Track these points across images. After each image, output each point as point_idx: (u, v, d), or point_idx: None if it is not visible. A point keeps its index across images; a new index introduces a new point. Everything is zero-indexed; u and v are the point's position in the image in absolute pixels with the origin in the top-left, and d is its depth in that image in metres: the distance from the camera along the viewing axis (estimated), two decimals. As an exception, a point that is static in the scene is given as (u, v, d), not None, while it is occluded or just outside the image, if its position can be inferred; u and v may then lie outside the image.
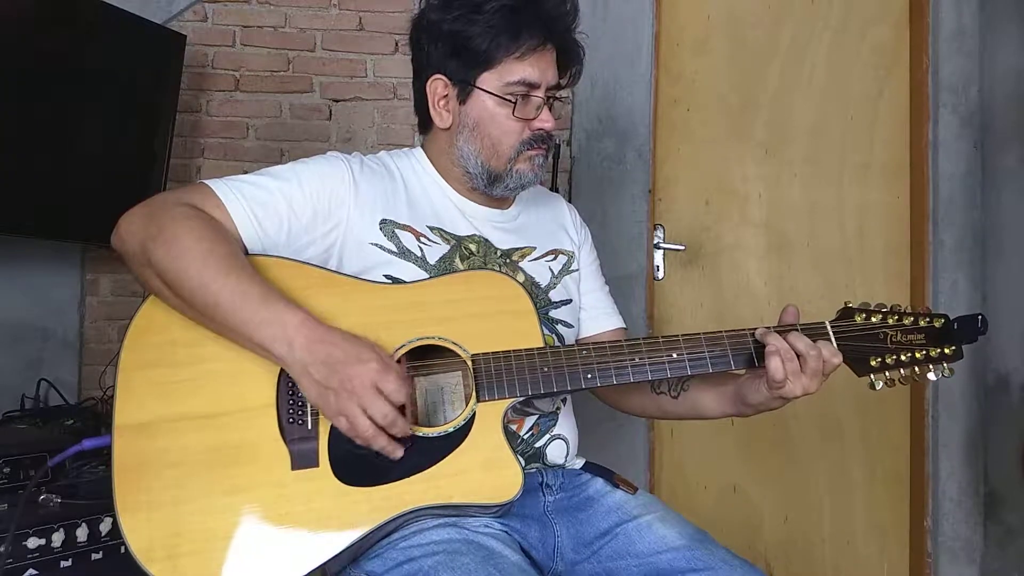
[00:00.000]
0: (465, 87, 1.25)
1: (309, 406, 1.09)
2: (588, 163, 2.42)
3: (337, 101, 2.40)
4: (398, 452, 1.05)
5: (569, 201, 2.34)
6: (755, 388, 1.19)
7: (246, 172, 1.23)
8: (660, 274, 2.48)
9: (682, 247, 2.48)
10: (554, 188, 2.21)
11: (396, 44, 2.41)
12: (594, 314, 1.42)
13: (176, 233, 1.07)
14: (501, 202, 1.36)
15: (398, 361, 1.13)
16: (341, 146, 2.37)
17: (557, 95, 1.28)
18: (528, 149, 1.27)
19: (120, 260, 1.15)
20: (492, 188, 1.30)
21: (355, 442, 1.05)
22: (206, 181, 1.17)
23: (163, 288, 1.08)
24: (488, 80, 1.23)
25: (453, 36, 1.22)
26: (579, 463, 1.33)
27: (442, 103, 1.28)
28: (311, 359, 1.02)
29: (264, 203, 1.16)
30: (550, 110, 1.26)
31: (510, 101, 1.23)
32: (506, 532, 1.15)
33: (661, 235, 2.48)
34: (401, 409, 1.04)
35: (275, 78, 2.38)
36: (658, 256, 2.48)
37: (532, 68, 1.22)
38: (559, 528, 1.21)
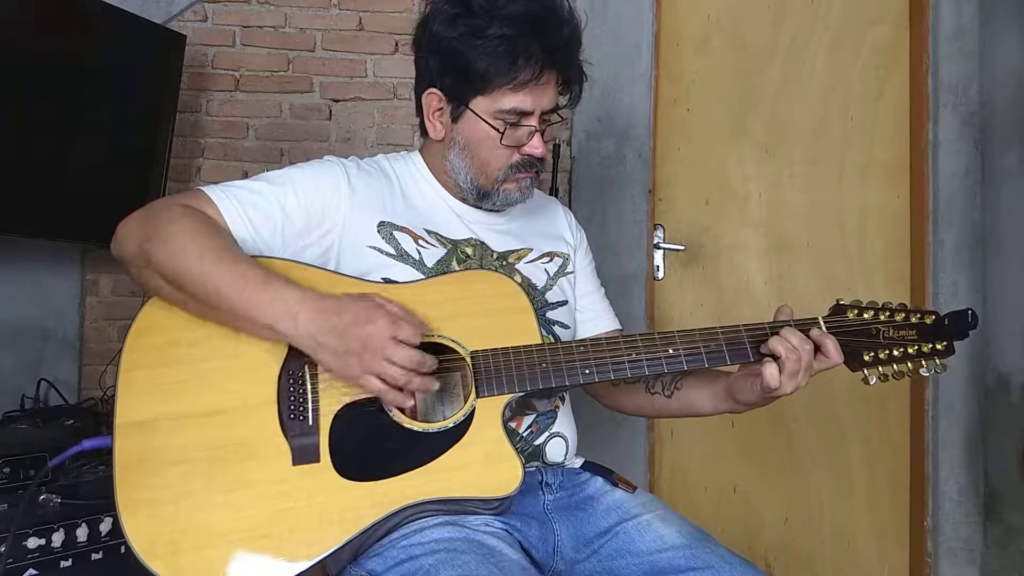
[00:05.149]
0: (458, 106, 1.25)
1: (310, 402, 1.09)
2: (588, 163, 2.42)
3: (337, 101, 2.40)
4: (435, 385, 1.08)
5: (569, 201, 2.36)
6: (747, 387, 1.21)
7: (246, 172, 1.24)
8: (660, 274, 2.48)
9: (682, 247, 2.48)
10: (554, 188, 2.21)
11: (396, 44, 2.41)
12: (591, 316, 1.43)
13: (173, 231, 1.09)
14: None
15: None
16: (341, 146, 2.38)
17: (557, 114, 1.28)
18: (516, 172, 1.27)
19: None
20: (480, 202, 1.31)
21: (383, 407, 1.09)
22: (201, 187, 1.19)
23: (164, 286, 1.09)
24: (480, 104, 1.23)
25: (452, 55, 1.22)
26: (578, 462, 1.33)
27: (436, 115, 1.29)
28: (318, 329, 1.04)
29: (258, 207, 1.18)
30: (542, 135, 1.26)
31: (499, 130, 1.23)
32: (506, 531, 1.15)
33: (661, 235, 2.48)
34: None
35: (275, 78, 2.38)
36: (658, 256, 2.48)
37: (526, 98, 1.21)
38: (559, 527, 1.21)
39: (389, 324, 1.04)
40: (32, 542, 1.33)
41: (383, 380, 1.04)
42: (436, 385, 1.08)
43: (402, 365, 1.04)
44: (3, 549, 1.27)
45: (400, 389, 1.06)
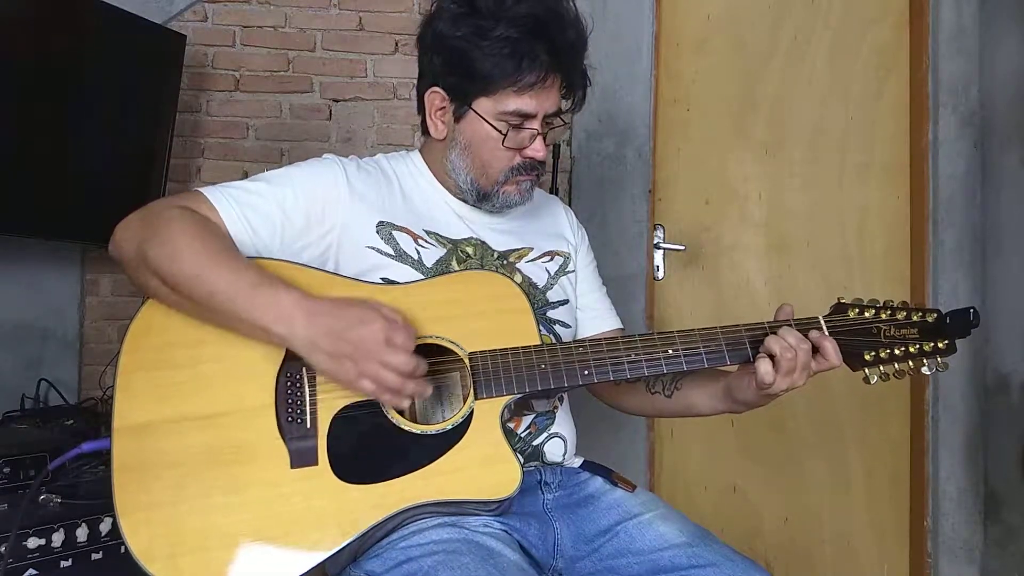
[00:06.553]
0: (461, 106, 1.25)
1: (308, 405, 1.09)
2: (588, 163, 2.42)
3: (337, 101, 2.40)
4: (429, 389, 1.07)
5: (569, 201, 2.36)
6: (744, 385, 1.21)
7: (246, 172, 1.23)
8: (660, 274, 2.48)
9: (682, 247, 2.48)
10: (554, 188, 2.21)
11: (396, 44, 2.41)
12: (592, 315, 1.42)
13: (170, 233, 1.09)
14: None
15: None
16: (341, 146, 2.38)
17: (560, 117, 1.28)
18: (517, 175, 1.27)
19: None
20: (480, 203, 1.31)
21: (379, 410, 1.08)
22: (200, 189, 1.19)
23: (161, 287, 1.09)
24: (483, 105, 1.23)
25: (456, 55, 1.21)
26: (577, 461, 1.33)
27: (439, 114, 1.29)
28: (314, 333, 1.03)
29: (257, 208, 1.17)
30: (544, 138, 1.25)
31: (501, 132, 1.23)
32: (505, 531, 1.15)
33: (661, 235, 2.48)
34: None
35: (275, 78, 2.38)
36: (658, 256, 2.48)
37: (530, 100, 1.21)
38: (559, 525, 1.21)
39: (383, 328, 1.03)
40: (32, 542, 1.33)
41: (378, 383, 1.04)
42: (430, 390, 1.08)
43: (395, 369, 1.03)
44: (3, 549, 1.27)
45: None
